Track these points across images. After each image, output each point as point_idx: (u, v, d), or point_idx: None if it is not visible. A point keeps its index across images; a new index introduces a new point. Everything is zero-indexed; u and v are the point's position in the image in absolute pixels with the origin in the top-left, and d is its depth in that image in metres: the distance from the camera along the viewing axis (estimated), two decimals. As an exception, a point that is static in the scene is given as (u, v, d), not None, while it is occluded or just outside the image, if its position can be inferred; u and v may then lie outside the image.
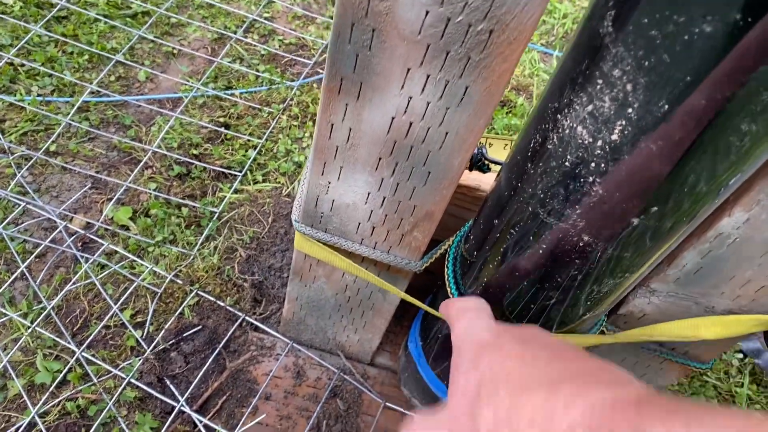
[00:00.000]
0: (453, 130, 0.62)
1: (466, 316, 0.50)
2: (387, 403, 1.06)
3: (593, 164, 0.52)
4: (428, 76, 0.57)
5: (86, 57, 1.46)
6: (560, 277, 0.65)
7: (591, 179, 0.53)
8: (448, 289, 0.79)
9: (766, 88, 0.42)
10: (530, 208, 0.61)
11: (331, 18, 1.65)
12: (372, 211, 0.76)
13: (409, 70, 0.56)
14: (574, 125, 0.52)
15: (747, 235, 0.66)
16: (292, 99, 1.45)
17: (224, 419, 1.00)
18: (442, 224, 0.89)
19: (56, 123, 1.33)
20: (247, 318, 1.09)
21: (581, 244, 0.59)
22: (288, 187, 1.30)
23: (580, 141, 0.52)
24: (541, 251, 0.63)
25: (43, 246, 1.15)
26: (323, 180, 0.72)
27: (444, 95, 0.58)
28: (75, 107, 1.34)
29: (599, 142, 0.51)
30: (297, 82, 1.48)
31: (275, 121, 1.40)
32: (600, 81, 0.49)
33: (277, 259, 1.19)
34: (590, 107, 0.50)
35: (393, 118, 0.62)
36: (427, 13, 0.51)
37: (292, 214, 0.81)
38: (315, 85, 1.50)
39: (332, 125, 0.65)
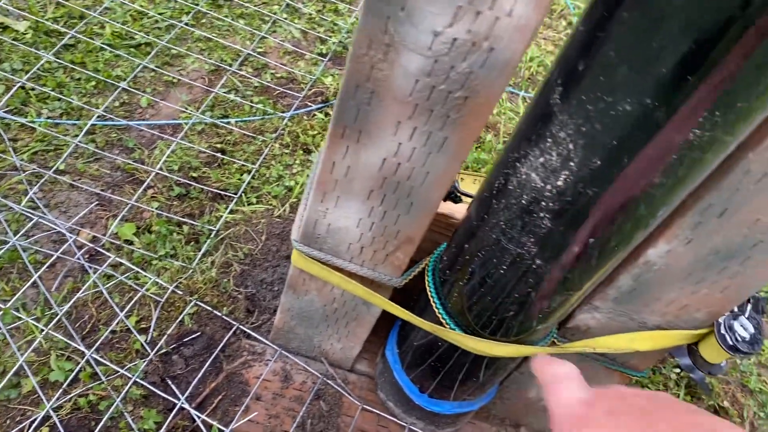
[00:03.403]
0: (433, 170, 0.76)
1: (561, 384, 0.52)
2: (364, 406, 1.18)
3: (543, 203, 0.67)
4: (415, 128, 0.71)
5: (92, 83, 1.58)
6: (517, 294, 0.79)
7: (542, 215, 0.68)
8: (431, 299, 0.92)
9: (671, 152, 0.57)
10: (494, 236, 0.76)
11: (319, 55, 1.80)
12: (362, 234, 0.89)
13: (399, 122, 0.70)
14: (530, 172, 0.67)
15: (669, 263, 0.81)
16: (283, 129, 1.59)
17: (219, 416, 1.11)
18: (419, 247, 1.03)
19: (65, 144, 1.44)
20: (240, 326, 1.22)
21: (534, 267, 0.74)
22: (279, 209, 1.43)
23: (534, 185, 0.67)
24: (502, 271, 0.77)
25: (54, 257, 1.26)
26: (322, 207, 0.86)
27: (428, 143, 0.72)
28: (84, 130, 1.46)
29: (548, 186, 0.65)
30: (288, 113, 1.62)
31: (268, 148, 1.54)
32: (549, 140, 0.63)
33: (269, 273, 1.32)
34: (542, 159, 0.65)
35: (385, 159, 0.76)
36: (417, 81, 0.65)
37: (292, 235, 0.94)
38: (305, 117, 1.63)
39: (334, 162, 0.78)
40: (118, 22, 1.72)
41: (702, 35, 0.48)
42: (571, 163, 0.62)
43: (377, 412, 1.19)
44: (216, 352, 1.17)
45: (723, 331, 0.89)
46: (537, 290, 0.77)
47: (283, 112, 1.63)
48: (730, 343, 0.88)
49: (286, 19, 1.91)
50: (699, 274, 0.81)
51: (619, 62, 0.54)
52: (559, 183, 0.64)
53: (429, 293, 0.94)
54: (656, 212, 0.66)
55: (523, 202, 0.69)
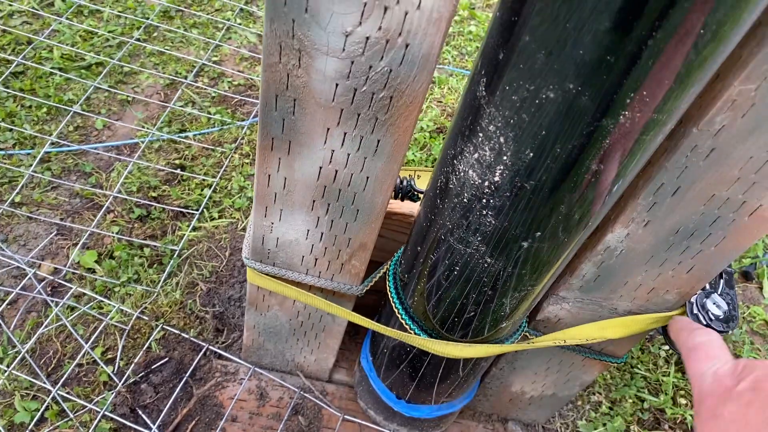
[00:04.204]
0: (372, 175, 0.72)
1: (702, 353, 0.49)
2: (345, 416, 1.15)
3: (484, 200, 0.63)
4: (345, 133, 0.67)
5: (44, 110, 1.53)
6: (474, 294, 0.75)
7: (484, 212, 0.64)
8: (392, 304, 0.89)
9: (604, 137, 0.53)
10: (443, 237, 0.72)
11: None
12: (313, 245, 0.86)
13: (328, 129, 0.67)
14: (467, 169, 0.63)
15: (630, 247, 0.77)
16: (243, 138, 1.55)
17: (195, 442, 1.08)
18: (384, 248, 1.00)
19: (19, 175, 1.41)
20: (210, 347, 1.18)
21: (486, 265, 0.70)
22: (243, 222, 1.40)
23: (472, 182, 0.63)
24: (455, 272, 0.74)
25: (14, 294, 1.22)
26: (266, 221, 0.82)
27: (361, 147, 0.69)
28: (37, 159, 1.42)
29: (486, 183, 0.62)
30: (247, 121, 1.58)
31: (228, 159, 1.50)
32: (481, 134, 0.60)
33: (236, 290, 1.28)
34: (476, 155, 0.61)
35: (321, 168, 0.72)
36: (337, 85, 0.62)
37: (243, 252, 0.91)
38: (264, 124, 1.59)
39: (269, 176, 0.75)
40: (66, 44, 1.68)
41: (615, 13, 0.44)
42: (504, 157, 0.59)
43: (359, 421, 1.16)
44: (185, 376, 1.13)
45: (695, 310, 0.85)
46: (493, 288, 0.74)
47: (242, 120, 1.59)
48: (704, 322, 0.84)
49: (240, 24, 1.87)
50: (662, 255, 0.78)
51: (537, 48, 0.50)
52: (496, 178, 0.61)
53: (390, 298, 0.90)
54: (600, 200, 0.63)
55: (465, 200, 0.66)
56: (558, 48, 0.48)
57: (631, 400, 1.30)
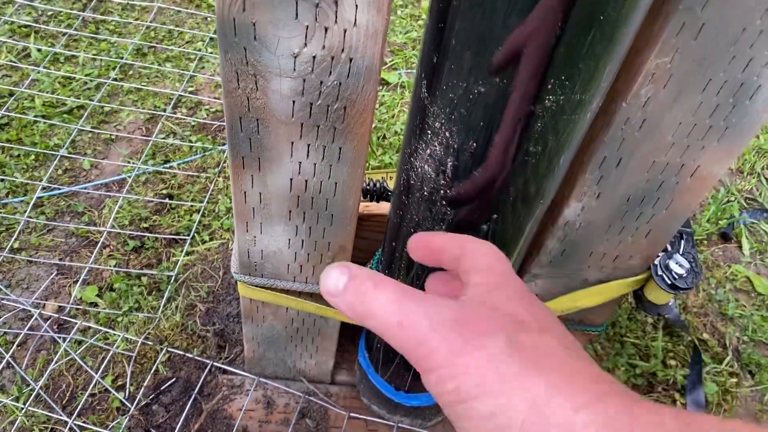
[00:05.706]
0: (340, 180, 0.78)
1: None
2: (351, 414, 1.20)
3: (441, 192, 0.69)
4: (309, 145, 0.73)
5: (32, 157, 1.59)
6: (448, 280, 0.81)
7: (444, 203, 0.70)
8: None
9: (535, 122, 0.59)
10: (412, 230, 0.78)
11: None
12: (296, 253, 0.91)
13: (293, 143, 0.73)
14: (423, 165, 0.69)
15: (588, 219, 0.83)
16: (225, 162, 1.61)
17: (209, 455, 1.13)
18: (367, 249, 1.05)
19: (15, 222, 1.46)
20: (215, 363, 1.24)
21: (453, 251, 0.76)
22: (233, 242, 1.45)
23: (429, 176, 0.69)
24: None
25: (22, 335, 1.27)
26: (249, 236, 0.88)
27: (325, 156, 0.74)
28: (30, 205, 1.48)
29: (440, 176, 0.67)
30: (227, 145, 1.64)
31: (213, 184, 1.56)
32: (429, 132, 0.65)
33: (233, 306, 1.34)
34: (428, 151, 0.67)
35: (291, 179, 0.78)
36: (294, 102, 0.67)
37: (231, 267, 0.96)
38: (244, 146, 1.66)
39: (245, 192, 0.80)
40: (47, 92, 1.74)
41: (524, 13, 0.50)
42: (452, 150, 0.64)
43: (364, 417, 1.21)
44: (194, 394, 1.19)
45: (660, 272, 0.91)
46: (465, 273, 0.79)
47: (222, 145, 1.66)
48: (669, 282, 0.90)
49: (212, 53, 1.93)
50: (618, 224, 0.83)
51: (462, 48, 0.56)
52: (448, 171, 0.66)
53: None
54: (545, 180, 0.68)
55: (425, 194, 0.71)
56: (481, 47, 0.54)
57: (623, 368, 1.35)
